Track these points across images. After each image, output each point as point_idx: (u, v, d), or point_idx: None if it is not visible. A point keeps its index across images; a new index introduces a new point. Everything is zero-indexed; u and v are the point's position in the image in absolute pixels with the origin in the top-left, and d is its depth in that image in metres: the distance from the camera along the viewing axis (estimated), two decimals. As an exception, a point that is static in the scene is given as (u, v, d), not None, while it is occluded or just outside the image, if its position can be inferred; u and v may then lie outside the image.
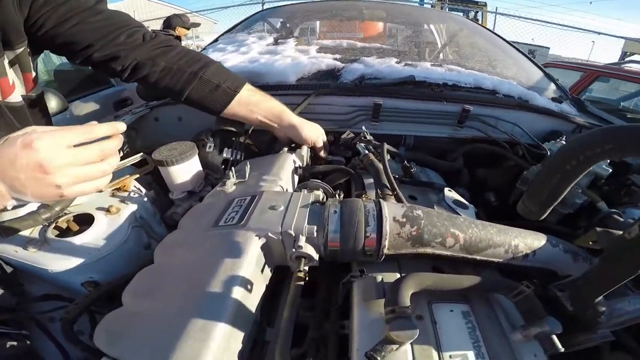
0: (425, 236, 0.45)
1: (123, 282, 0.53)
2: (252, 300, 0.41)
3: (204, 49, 1.34)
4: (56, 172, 0.40)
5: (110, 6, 0.68)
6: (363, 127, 0.82)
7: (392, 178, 0.61)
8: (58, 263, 0.55)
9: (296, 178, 0.72)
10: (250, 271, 0.42)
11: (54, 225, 0.59)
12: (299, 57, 1.10)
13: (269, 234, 0.45)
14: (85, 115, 1.25)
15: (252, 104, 0.72)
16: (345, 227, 0.44)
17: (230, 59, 1.12)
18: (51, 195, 0.42)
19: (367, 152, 0.73)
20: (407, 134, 0.96)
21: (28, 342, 0.57)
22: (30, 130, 0.41)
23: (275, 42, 1.28)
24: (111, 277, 0.58)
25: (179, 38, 2.88)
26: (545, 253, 0.49)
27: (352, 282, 0.47)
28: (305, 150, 0.80)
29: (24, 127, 0.44)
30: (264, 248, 0.45)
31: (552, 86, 1.25)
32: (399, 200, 0.58)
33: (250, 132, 0.86)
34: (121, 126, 0.46)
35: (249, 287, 0.41)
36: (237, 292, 0.39)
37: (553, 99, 1.12)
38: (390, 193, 0.59)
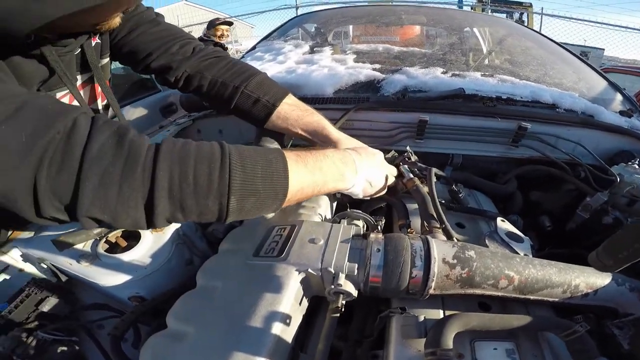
0: (476, 278, 0.44)
1: (166, 298, 0.59)
2: (289, 333, 0.43)
3: (243, 56, 1.40)
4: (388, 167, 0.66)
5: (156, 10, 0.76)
6: (408, 147, 0.79)
7: (440, 209, 0.58)
8: (107, 278, 0.61)
9: (334, 203, 0.72)
10: (290, 306, 0.43)
11: (104, 240, 0.64)
12: (335, 68, 1.10)
13: (309, 270, 0.46)
14: (135, 120, 1.37)
15: (291, 119, 0.73)
16: (389, 266, 0.44)
17: (268, 68, 1.14)
18: (381, 187, 0.63)
19: (411, 175, 0.70)
20: (455, 153, 0.92)
21: (77, 348, 0.63)
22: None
23: (312, 50, 1.29)
24: (155, 293, 0.63)
25: (222, 37, 3.18)
26: (608, 292, 0.47)
27: (391, 317, 0.46)
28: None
29: None
30: (303, 282, 0.47)
31: (619, 97, 1.14)
32: (447, 234, 0.55)
33: (289, 146, 0.87)
34: None
35: (287, 321, 0.42)
36: (277, 328, 0.41)
37: (621, 113, 1.03)
38: (438, 226, 0.57)
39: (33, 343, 0.60)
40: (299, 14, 8.78)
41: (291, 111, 0.74)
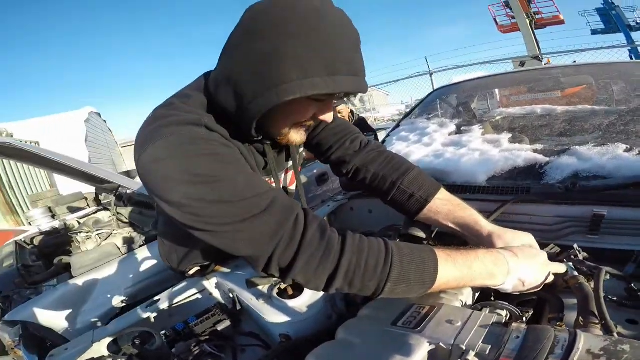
0: None
1: (304, 342, 0.68)
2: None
3: (388, 135, 1.52)
4: (550, 269, 0.63)
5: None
6: (575, 245, 0.70)
7: (602, 305, 0.53)
8: (272, 316, 0.75)
9: (478, 292, 0.70)
10: None
11: (278, 286, 0.80)
12: (488, 151, 1.04)
13: (440, 344, 0.49)
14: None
15: (442, 213, 0.77)
16: (524, 351, 0.43)
17: (415, 151, 1.18)
18: (538, 283, 0.62)
19: (575, 273, 0.63)
20: None
21: (218, 363, 0.77)
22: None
23: (459, 130, 1.29)
24: (299, 335, 0.73)
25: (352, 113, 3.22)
26: None
27: None
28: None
29: None
30: (430, 353, 0.49)
31: None
32: (607, 329, 0.50)
33: (434, 234, 0.88)
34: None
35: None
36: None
37: None
38: (596, 322, 0.52)
39: (196, 351, 0.77)
40: (433, 80, 9.01)
41: (443, 206, 0.78)
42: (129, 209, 1.98)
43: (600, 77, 1.58)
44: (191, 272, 0.94)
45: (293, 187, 0.94)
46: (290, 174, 0.92)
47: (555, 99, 1.59)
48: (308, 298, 0.76)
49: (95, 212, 2.29)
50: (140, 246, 1.63)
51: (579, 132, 1.15)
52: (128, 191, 1.96)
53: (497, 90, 2.18)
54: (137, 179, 2.17)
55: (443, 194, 0.80)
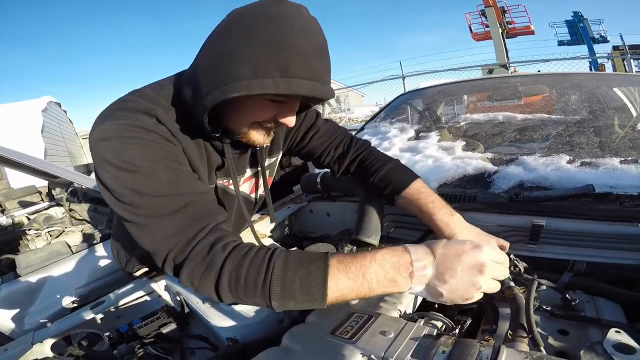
0: None
1: (253, 345, 0.68)
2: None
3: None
4: (486, 277, 0.54)
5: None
6: (512, 256, 0.73)
7: (531, 319, 0.56)
8: (218, 320, 0.75)
9: (419, 300, 0.73)
10: None
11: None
12: (441, 158, 1.08)
13: (372, 356, 0.50)
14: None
15: (414, 204, 0.82)
16: None
17: None
18: (465, 294, 0.53)
19: (512, 284, 0.67)
20: (578, 259, 0.79)
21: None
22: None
23: (417, 136, 1.33)
24: (247, 340, 0.74)
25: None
26: None
27: None
28: None
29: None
30: None
31: None
32: (535, 344, 0.53)
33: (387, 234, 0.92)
34: (506, 244, 0.73)
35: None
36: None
37: None
38: (524, 335, 0.55)
39: (140, 353, 0.77)
40: (405, 83, 9.24)
41: (411, 196, 0.82)
42: (84, 205, 1.88)
43: (554, 86, 1.68)
44: (138, 274, 0.91)
45: (261, 192, 0.94)
46: (258, 182, 0.92)
47: (517, 106, 1.67)
48: (256, 303, 0.77)
49: (47, 208, 2.16)
50: (94, 244, 1.55)
51: (529, 141, 1.21)
52: (82, 187, 1.86)
53: (465, 97, 2.26)
54: (92, 175, 2.07)
55: (418, 184, 0.84)
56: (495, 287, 0.56)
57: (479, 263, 0.53)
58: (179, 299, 0.89)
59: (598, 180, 0.84)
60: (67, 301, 1.32)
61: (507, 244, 0.77)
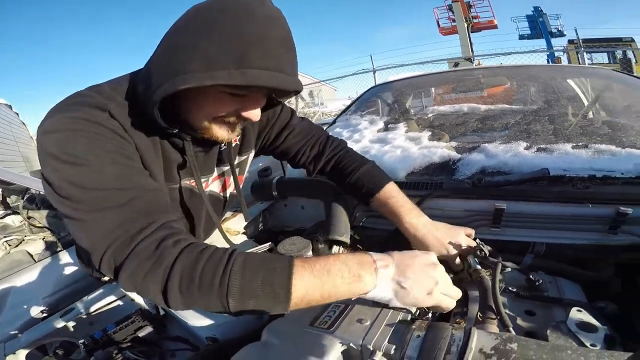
0: None
1: (233, 343, 0.68)
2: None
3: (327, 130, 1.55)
4: (439, 271, 0.60)
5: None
6: (477, 240, 0.77)
7: (498, 301, 0.59)
8: (195, 320, 0.74)
9: None
10: None
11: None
12: (409, 148, 1.11)
13: (351, 344, 0.52)
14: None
15: (387, 206, 0.84)
16: (424, 352, 0.47)
17: None
18: (427, 286, 0.58)
19: (478, 267, 0.70)
20: (538, 241, 0.84)
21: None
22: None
23: (386, 127, 1.35)
24: (227, 337, 0.74)
25: None
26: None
27: None
28: None
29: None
30: (344, 353, 0.53)
31: None
32: (504, 325, 0.56)
33: (358, 226, 0.94)
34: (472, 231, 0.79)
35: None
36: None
37: None
38: (493, 317, 0.58)
39: (118, 359, 0.75)
40: (376, 77, 9.37)
41: (384, 199, 0.85)
42: (44, 212, 1.76)
43: (514, 78, 1.79)
44: (106, 278, 0.88)
45: (226, 194, 0.92)
46: (227, 181, 0.90)
47: (481, 97, 1.76)
48: (233, 298, 0.76)
49: (3, 217, 2.00)
50: (58, 252, 1.47)
51: (490, 129, 1.28)
52: (40, 193, 1.75)
53: (433, 89, 2.34)
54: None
55: (390, 187, 0.86)
56: (450, 302, 0.61)
57: (431, 262, 0.61)
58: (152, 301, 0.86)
59: (553, 165, 0.89)
60: (36, 311, 1.25)
61: (472, 231, 0.82)
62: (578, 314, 0.58)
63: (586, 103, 1.57)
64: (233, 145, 0.84)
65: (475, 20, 11.72)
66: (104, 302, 0.91)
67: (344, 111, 1.72)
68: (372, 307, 0.60)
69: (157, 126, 0.62)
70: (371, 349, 0.50)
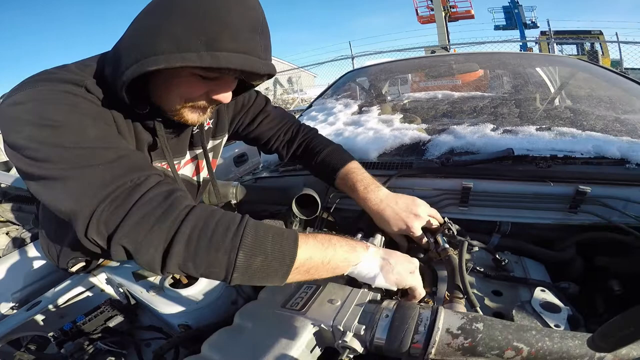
0: (479, 348, 0.45)
1: (208, 330, 0.67)
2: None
3: (302, 115, 1.56)
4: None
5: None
6: (446, 219, 0.78)
7: (465, 280, 0.60)
8: (166, 307, 0.73)
9: None
10: (300, 352, 0.50)
11: (170, 276, 0.77)
12: (381, 130, 1.13)
13: (322, 325, 0.53)
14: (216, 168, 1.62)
15: (349, 183, 0.86)
16: (393, 332, 0.48)
17: (320, 130, 1.17)
18: (408, 268, 0.62)
19: (447, 246, 0.72)
20: (503, 220, 0.87)
21: (123, 360, 0.75)
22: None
23: (360, 110, 1.36)
24: (200, 324, 0.73)
25: None
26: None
27: None
28: (379, 239, 0.79)
29: None
30: (316, 334, 0.54)
31: None
32: (471, 304, 0.57)
33: (332, 210, 0.95)
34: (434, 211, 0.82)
35: (295, 363, 0.49)
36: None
37: None
38: (461, 296, 0.59)
39: (90, 350, 0.74)
40: (354, 63, 9.37)
41: (345, 176, 0.87)
42: (6, 205, 1.68)
43: (484, 65, 1.83)
44: (74, 269, 0.85)
45: (199, 178, 0.90)
46: (200, 164, 0.88)
47: (455, 86, 1.78)
48: (204, 286, 0.76)
49: (-37, 212, 1.89)
50: (24, 246, 1.40)
51: (460, 112, 1.30)
52: (2, 185, 1.66)
53: (409, 76, 2.36)
54: (12, 171, 1.84)
55: (354, 165, 0.88)
56: (422, 290, 0.64)
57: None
58: (122, 290, 0.85)
59: (517, 145, 0.92)
60: (5, 307, 1.20)
61: (435, 211, 0.83)
62: (542, 294, 0.60)
63: (552, 90, 1.62)
64: (206, 128, 0.83)
65: (453, 10, 11.87)
66: (72, 293, 0.88)
67: (319, 95, 1.71)
68: (343, 287, 0.61)
69: (127, 107, 0.61)
70: (342, 329, 0.51)
